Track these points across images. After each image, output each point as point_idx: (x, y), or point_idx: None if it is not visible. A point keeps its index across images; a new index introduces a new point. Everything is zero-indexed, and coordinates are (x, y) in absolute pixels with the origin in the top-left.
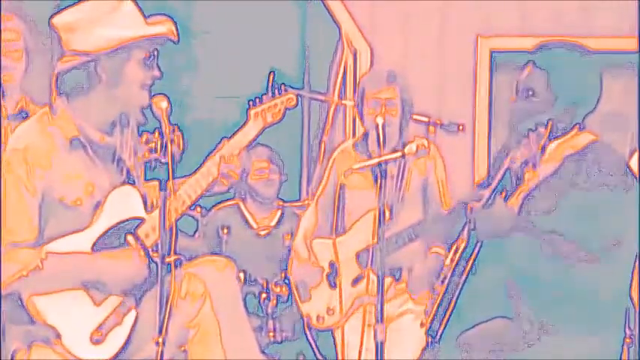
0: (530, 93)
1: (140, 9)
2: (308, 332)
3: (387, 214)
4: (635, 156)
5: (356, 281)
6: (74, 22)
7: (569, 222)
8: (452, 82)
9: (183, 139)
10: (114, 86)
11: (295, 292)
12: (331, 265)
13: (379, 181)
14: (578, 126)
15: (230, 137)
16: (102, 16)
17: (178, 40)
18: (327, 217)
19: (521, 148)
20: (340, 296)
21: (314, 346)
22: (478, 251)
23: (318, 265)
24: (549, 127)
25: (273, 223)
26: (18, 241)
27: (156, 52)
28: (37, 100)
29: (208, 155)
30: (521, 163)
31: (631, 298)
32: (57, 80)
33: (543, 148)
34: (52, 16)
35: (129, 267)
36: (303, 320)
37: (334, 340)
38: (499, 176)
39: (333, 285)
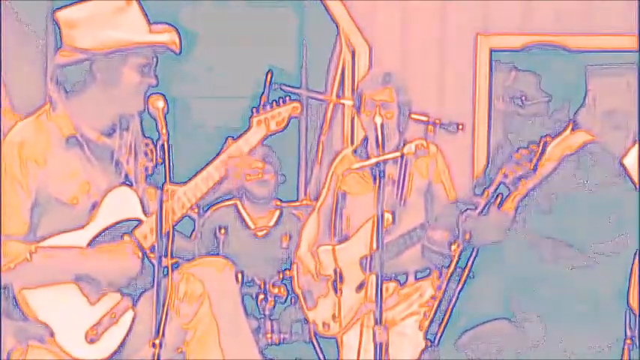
0: (523, 97)
1: (145, 15)
2: (314, 339)
3: (390, 218)
4: (631, 153)
5: (360, 287)
6: (77, 19)
7: (565, 222)
8: (451, 81)
9: (155, 152)
10: (108, 87)
11: (302, 300)
12: (336, 271)
13: (378, 181)
14: (572, 124)
15: (235, 139)
16: (105, 15)
17: (180, 52)
18: (329, 224)
19: (512, 165)
20: (339, 303)
21: (320, 353)
22: (475, 255)
23: (324, 273)
24: (542, 145)
25: (271, 224)
26: (8, 234)
27: (154, 60)
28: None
29: (208, 158)
30: (514, 179)
31: (628, 303)
32: (54, 75)
33: (536, 166)
34: (55, 11)
35: (121, 262)
36: (309, 327)
37: (338, 345)
38: (492, 189)
39: (337, 291)
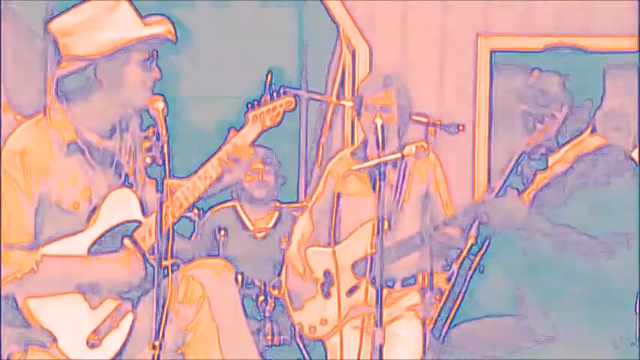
0: (543, 97)
1: (137, 10)
2: (299, 341)
3: (386, 224)
4: (636, 151)
5: (351, 291)
6: (71, 26)
7: (577, 219)
8: (452, 82)
9: (168, 145)
10: (114, 89)
11: (287, 300)
12: (326, 274)
13: (378, 183)
14: (590, 127)
15: (238, 130)
16: (98, 18)
17: (176, 41)
18: (323, 225)
19: (535, 133)
20: (339, 306)
21: (305, 355)
22: (486, 250)
23: (312, 275)
24: (564, 112)
25: (270, 225)
26: (12, 243)
27: (155, 53)
28: (15, 103)
29: (209, 155)
30: (536, 147)
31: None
32: (56, 85)
33: (557, 132)
34: (49, 21)
35: (124, 271)
36: (294, 329)
37: (325, 348)
38: (514, 161)
39: (327, 295)
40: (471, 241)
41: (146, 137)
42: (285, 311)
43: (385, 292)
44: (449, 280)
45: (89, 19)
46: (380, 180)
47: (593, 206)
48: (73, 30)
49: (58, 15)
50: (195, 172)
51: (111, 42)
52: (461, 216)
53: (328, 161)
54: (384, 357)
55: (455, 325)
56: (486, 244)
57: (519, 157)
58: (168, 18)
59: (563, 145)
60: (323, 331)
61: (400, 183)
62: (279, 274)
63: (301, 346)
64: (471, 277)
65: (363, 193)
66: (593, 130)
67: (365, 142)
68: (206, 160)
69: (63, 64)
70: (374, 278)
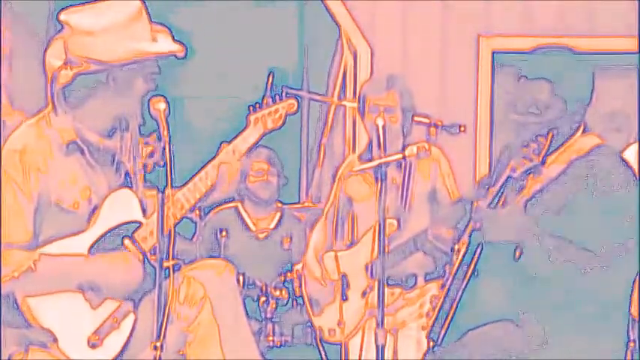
0: (534, 104)
1: (151, 22)
2: (320, 345)
3: (395, 224)
4: (631, 148)
5: (365, 293)
6: (91, 28)
7: (574, 225)
8: (453, 83)
9: (169, 146)
10: (119, 95)
11: (308, 306)
12: (342, 277)
13: (379, 184)
14: (583, 126)
15: (229, 142)
16: (122, 26)
17: (185, 56)
18: (335, 230)
19: (521, 159)
20: (341, 308)
21: (325, 359)
22: (480, 254)
23: (330, 279)
24: (549, 138)
25: (272, 226)
26: (12, 242)
27: (159, 70)
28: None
29: (209, 159)
30: (523, 173)
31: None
32: (54, 80)
33: (544, 159)
34: (60, 11)
35: (124, 270)
36: (315, 333)
37: (343, 351)
38: (500, 183)
39: (344, 297)
40: (464, 248)
41: (146, 143)
42: (288, 312)
43: (397, 291)
44: (443, 286)
45: (113, 26)
46: (381, 181)
47: (591, 211)
48: (94, 33)
49: (71, 7)
50: (196, 173)
51: (130, 52)
52: (451, 216)
53: (338, 168)
54: (388, 357)
55: (457, 331)
56: (479, 249)
57: (505, 181)
58: (168, 27)
59: (558, 147)
60: (341, 334)
61: (406, 183)
62: (285, 273)
63: (322, 350)
64: (467, 282)
65: (372, 196)
66: (585, 130)
67: (370, 144)
68: (206, 162)
69: (83, 67)
70: (387, 279)
